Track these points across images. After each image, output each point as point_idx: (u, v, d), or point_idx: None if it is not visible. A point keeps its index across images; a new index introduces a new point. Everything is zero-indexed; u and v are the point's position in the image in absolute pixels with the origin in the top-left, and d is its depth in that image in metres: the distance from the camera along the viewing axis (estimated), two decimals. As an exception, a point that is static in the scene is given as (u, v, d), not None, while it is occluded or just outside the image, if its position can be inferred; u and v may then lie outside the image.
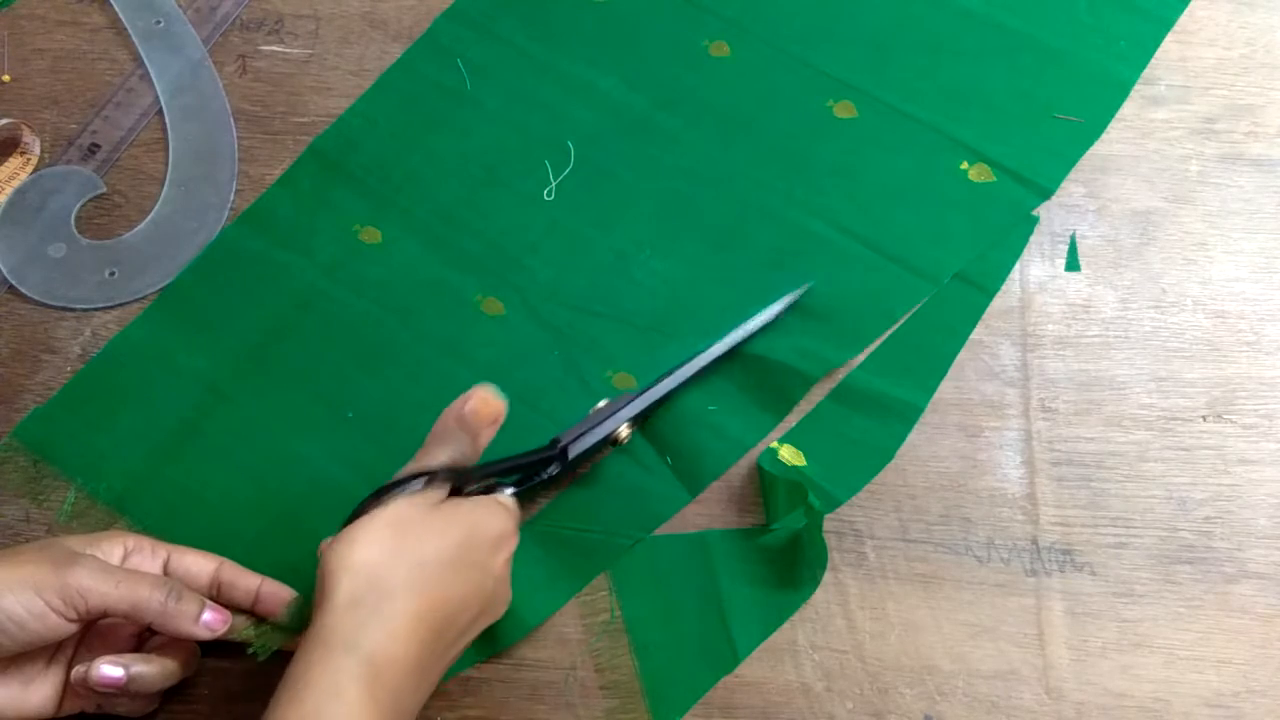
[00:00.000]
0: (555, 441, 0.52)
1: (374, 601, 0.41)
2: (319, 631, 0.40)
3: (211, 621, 0.46)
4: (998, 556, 0.54)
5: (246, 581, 0.49)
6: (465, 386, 0.56)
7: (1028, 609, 0.53)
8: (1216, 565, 0.54)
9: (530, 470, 0.52)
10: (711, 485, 0.56)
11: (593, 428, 0.53)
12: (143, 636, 0.49)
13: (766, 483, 0.55)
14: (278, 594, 0.50)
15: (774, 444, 0.56)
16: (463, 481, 0.46)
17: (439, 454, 0.46)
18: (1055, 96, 0.65)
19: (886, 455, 0.56)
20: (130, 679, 0.45)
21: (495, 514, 0.46)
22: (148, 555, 0.49)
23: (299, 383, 0.57)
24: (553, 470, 0.52)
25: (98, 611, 0.44)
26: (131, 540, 0.49)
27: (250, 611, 0.50)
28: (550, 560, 0.54)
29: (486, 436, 0.46)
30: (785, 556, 0.54)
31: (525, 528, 0.53)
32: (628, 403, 0.54)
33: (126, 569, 0.46)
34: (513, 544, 0.47)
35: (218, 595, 0.50)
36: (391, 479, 0.44)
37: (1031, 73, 0.65)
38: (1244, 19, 0.67)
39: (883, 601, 0.53)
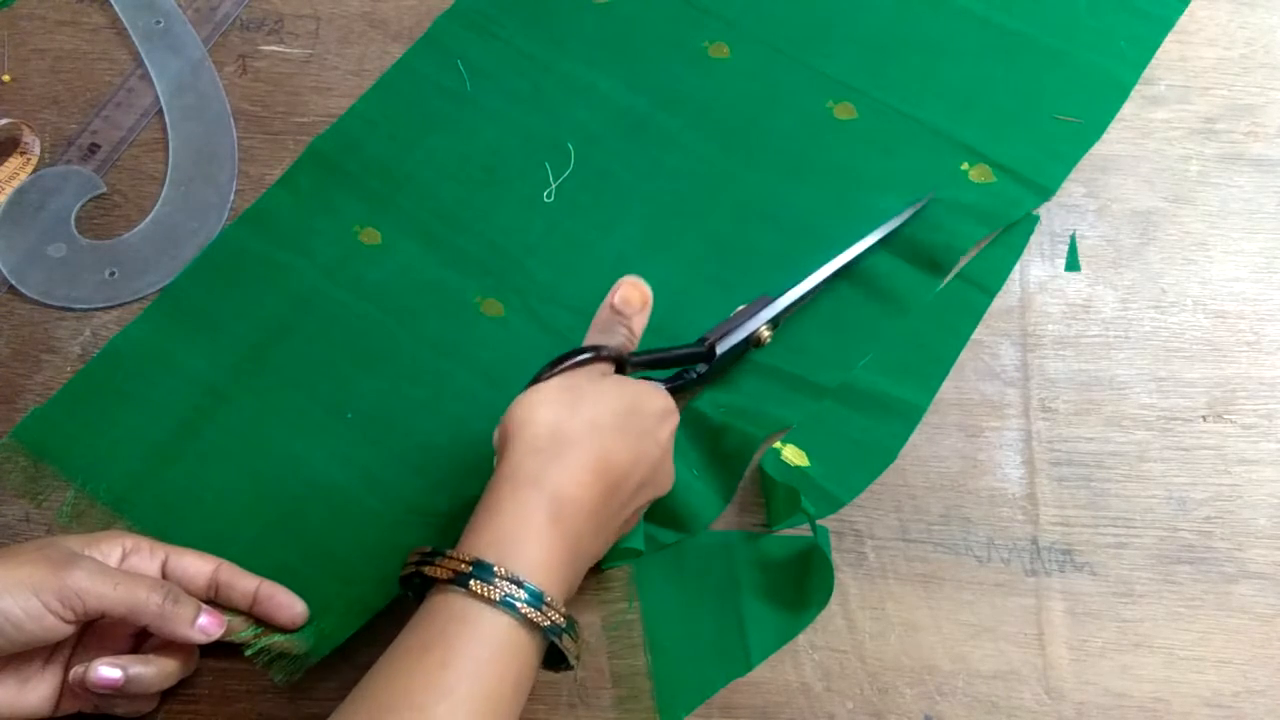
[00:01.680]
0: (703, 340, 0.54)
1: (555, 450, 0.44)
2: (505, 471, 0.44)
3: (207, 625, 0.47)
4: (998, 556, 0.54)
5: (244, 583, 0.50)
6: (465, 388, 0.57)
7: (1028, 609, 0.53)
8: (1216, 565, 0.54)
9: (680, 366, 0.55)
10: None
11: (736, 328, 0.55)
12: (141, 637, 0.49)
13: (767, 486, 0.55)
14: (275, 595, 0.50)
15: (777, 444, 0.56)
16: (622, 366, 0.50)
17: (600, 340, 0.49)
18: (1055, 97, 0.65)
19: (889, 455, 0.56)
20: (128, 680, 0.46)
21: (658, 391, 0.49)
22: (146, 556, 0.49)
23: (298, 384, 0.57)
24: (700, 369, 0.55)
25: (95, 613, 0.44)
26: (130, 541, 0.49)
27: (248, 613, 0.50)
28: None
29: (640, 322, 0.50)
30: (807, 567, 0.53)
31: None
32: (767, 304, 0.56)
33: (124, 571, 0.47)
34: (675, 421, 0.49)
35: (216, 596, 0.50)
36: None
37: (1031, 73, 0.65)
38: (1244, 19, 0.67)
39: (883, 601, 0.53)
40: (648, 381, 0.50)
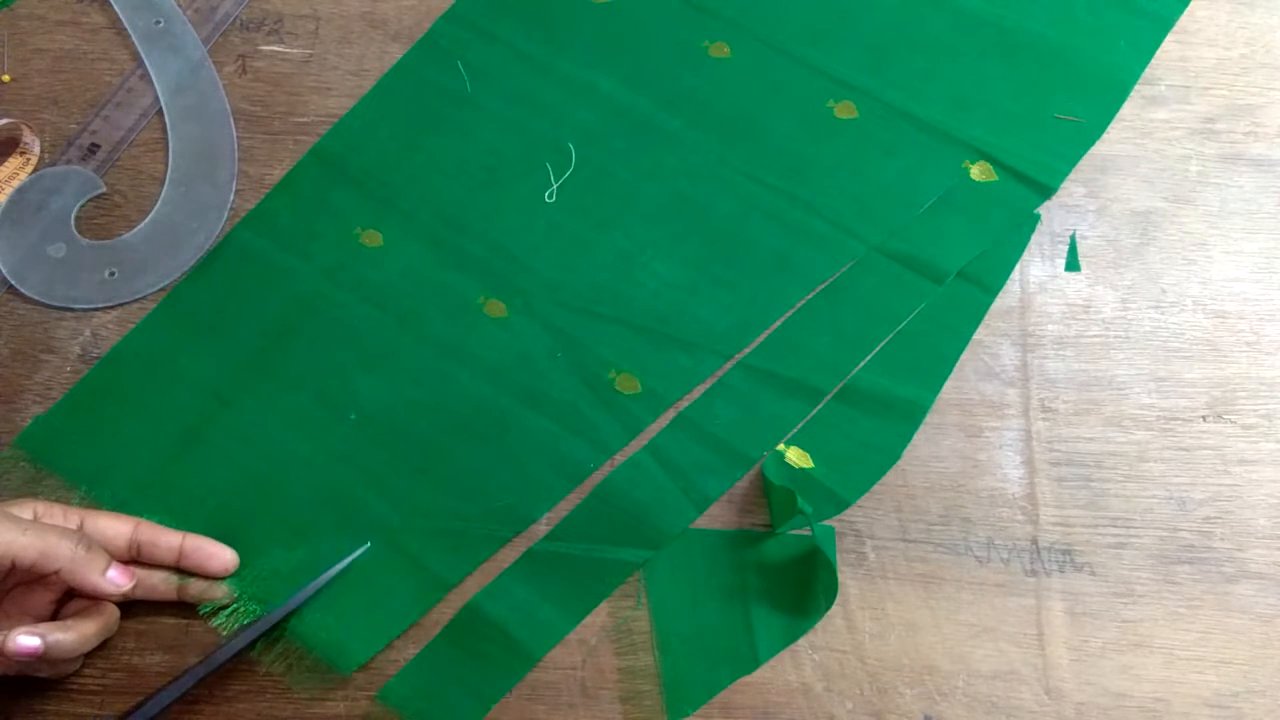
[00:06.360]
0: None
1: None
2: None
3: (116, 577, 0.48)
4: (998, 556, 0.54)
5: (167, 539, 0.50)
6: (467, 389, 0.57)
7: (1028, 609, 0.53)
8: (1216, 565, 0.54)
9: None
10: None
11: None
12: (59, 604, 0.50)
13: (767, 488, 0.55)
14: (202, 547, 0.51)
15: (781, 447, 0.56)
16: None
17: None
18: (1055, 96, 0.65)
19: (893, 455, 0.56)
20: (47, 647, 0.46)
21: None
22: (59, 518, 0.49)
23: (302, 386, 0.57)
24: None
25: (5, 561, 0.45)
26: (42, 506, 0.49)
27: (175, 568, 0.51)
28: (558, 583, 0.53)
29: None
30: (813, 567, 0.53)
31: (529, 553, 0.54)
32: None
33: (35, 522, 0.47)
34: None
35: (139, 556, 0.51)
36: None
37: (1032, 73, 0.65)
38: (1244, 19, 0.67)
39: (883, 601, 0.53)
40: None
